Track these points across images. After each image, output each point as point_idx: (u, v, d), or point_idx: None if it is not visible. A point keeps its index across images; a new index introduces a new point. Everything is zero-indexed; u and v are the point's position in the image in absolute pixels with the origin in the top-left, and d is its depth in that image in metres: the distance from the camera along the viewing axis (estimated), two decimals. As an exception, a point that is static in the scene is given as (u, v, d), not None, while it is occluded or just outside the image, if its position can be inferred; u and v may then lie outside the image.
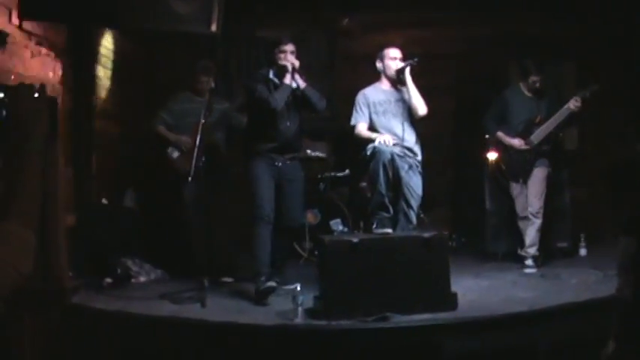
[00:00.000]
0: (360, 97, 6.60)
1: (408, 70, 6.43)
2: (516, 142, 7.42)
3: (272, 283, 5.94)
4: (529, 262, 7.23)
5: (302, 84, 6.23)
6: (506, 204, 7.81)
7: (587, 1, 8.44)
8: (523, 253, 7.32)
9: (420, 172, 6.41)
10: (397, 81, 6.52)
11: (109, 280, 6.75)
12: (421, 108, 6.43)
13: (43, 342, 2.00)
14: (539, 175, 7.34)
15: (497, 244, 8.01)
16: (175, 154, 6.98)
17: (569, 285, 6.36)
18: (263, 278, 5.96)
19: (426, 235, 5.58)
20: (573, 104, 7.10)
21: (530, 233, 7.29)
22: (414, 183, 6.31)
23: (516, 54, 8.66)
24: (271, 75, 6.27)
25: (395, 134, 6.38)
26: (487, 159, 7.86)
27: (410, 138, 6.44)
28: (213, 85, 6.89)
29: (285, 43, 6.23)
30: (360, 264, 5.38)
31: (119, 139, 8.30)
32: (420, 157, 6.46)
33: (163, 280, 6.99)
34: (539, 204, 7.29)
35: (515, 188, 7.52)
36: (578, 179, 8.19)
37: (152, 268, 7.20)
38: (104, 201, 7.59)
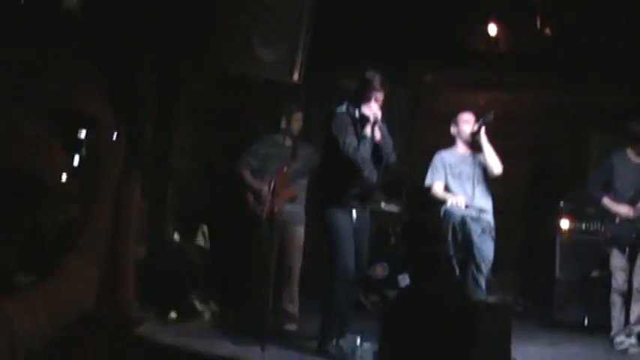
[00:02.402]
0: (436, 158, 6.67)
1: (483, 129, 6.45)
2: (624, 210, 6.89)
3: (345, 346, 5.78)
4: (633, 340, 6.70)
5: (378, 136, 5.98)
6: (578, 274, 7.65)
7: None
8: (627, 331, 6.76)
9: (492, 237, 6.34)
10: (472, 144, 6.53)
11: (174, 315, 6.85)
12: (496, 167, 6.44)
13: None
14: None
15: (564, 314, 7.81)
16: (252, 198, 6.89)
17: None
18: (334, 342, 5.77)
19: (490, 299, 5.53)
20: None
21: (637, 309, 6.74)
22: (486, 247, 6.25)
23: (598, 125, 8.54)
24: (357, 115, 5.97)
25: (469, 197, 6.37)
26: (561, 227, 7.72)
27: (484, 201, 6.43)
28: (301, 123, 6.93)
29: (377, 88, 5.97)
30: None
31: (196, 175, 8.43)
32: (492, 221, 6.42)
33: (228, 319, 7.04)
34: None
35: (617, 258, 6.94)
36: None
37: (217, 307, 7.26)
38: (176, 237, 7.70)
